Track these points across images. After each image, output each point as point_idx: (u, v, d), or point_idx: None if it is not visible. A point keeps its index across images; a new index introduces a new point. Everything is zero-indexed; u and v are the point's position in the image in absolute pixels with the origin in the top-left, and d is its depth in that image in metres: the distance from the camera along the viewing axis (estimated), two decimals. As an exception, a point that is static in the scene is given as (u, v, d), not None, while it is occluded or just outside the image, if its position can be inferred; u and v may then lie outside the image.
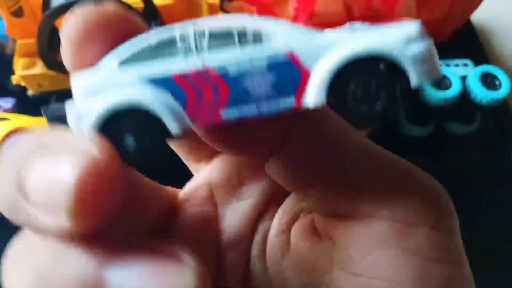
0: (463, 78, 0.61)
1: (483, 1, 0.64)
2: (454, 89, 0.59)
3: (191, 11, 0.63)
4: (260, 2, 0.64)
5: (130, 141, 0.22)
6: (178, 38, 0.22)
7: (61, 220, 0.19)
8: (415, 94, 0.60)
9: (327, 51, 0.21)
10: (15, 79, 0.64)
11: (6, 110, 0.68)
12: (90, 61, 0.22)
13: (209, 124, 0.22)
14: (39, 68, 0.63)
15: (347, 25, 0.23)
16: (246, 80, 0.21)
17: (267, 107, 0.21)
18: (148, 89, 0.22)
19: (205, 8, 0.64)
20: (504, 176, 0.65)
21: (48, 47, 0.58)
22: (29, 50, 0.63)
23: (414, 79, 0.21)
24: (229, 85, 0.21)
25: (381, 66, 0.21)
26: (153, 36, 0.22)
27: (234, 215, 0.30)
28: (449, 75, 0.60)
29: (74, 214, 0.19)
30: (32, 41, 0.61)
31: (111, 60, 0.22)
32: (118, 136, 0.22)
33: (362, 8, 0.61)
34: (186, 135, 0.25)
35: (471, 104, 0.60)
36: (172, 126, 0.21)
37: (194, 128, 0.22)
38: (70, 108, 0.22)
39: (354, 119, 0.22)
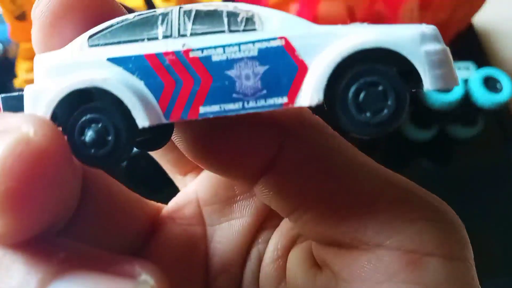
0: (465, 81, 0.61)
1: (485, 4, 0.64)
2: (456, 92, 0.59)
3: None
4: (263, 5, 0.65)
5: (88, 131, 0.18)
6: (160, 17, 0.19)
7: None
8: (418, 97, 0.60)
9: (330, 43, 0.18)
10: (17, 83, 0.64)
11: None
12: (62, 45, 0.20)
13: (184, 120, 0.18)
14: (42, 71, 0.63)
15: (352, 24, 0.20)
16: (233, 70, 0.18)
17: (253, 104, 0.18)
18: (116, 71, 0.18)
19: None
20: (507, 179, 0.64)
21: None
22: (32, 53, 0.63)
23: (427, 82, 0.18)
24: (212, 76, 0.18)
25: (391, 66, 0.18)
26: (133, 15, 0.19)
27: (224, 237, 0.27)
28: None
29: (0, 207, 0.16)
30: (35, 44, 0.61)
31: (81, 36, 0.19)
32: (74, 123, 0.18)
33: (365, 11, 0.61)
34: (159, 134, 0.21)
35: (473, 107, 0.60)
36: (140, 118, 0.18)
37: (166, 122, 0.19)
38: (28, 90, 0.19)
39: (353, 128, 0.18)
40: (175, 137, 0.23)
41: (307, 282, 0.24)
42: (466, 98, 0.60)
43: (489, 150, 0.67)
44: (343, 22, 0.64)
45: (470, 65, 0.63)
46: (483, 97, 0.59)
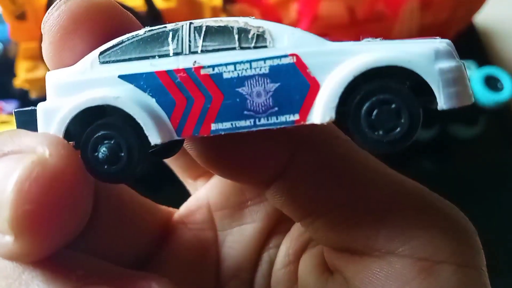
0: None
1: (485, 4, 0.64)
2: (457, 92, 0.59)
3: (193, 13, 0.63)
4: (263, 4, 0.64)
5: (101, 148, 0.18)
6: (170, 33, 0.19)
7: (5, 239, 0.16)
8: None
9: (342, 60, 0.18)
10: (17, 83, 0.64)
11: (9, 113, 0.68)
12: (73, 59, 0.20)
13: (196, 136, 0.19)
14: (42, 71, 0.63)
15: (364, 40, 0.19)
16: (244, 87, 0.18)
17: (264, 121, 0.18)
18: (127, 88, 0.18)
19: (207, 10, 0.64)
20: (508, 178, 0.64)
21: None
22: (32, 53, 0.63)
23: (441, 101, 0.17)
24: (223, 94, 0.18)
25: (404, 82, 0.18)
26: (143, 31, 0.19)
27: (235, 242, 0.27)
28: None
29: (18, 229, 0.16)
30: (35, 44, 0.61)
31: (92, 53, 0.19)
32: (88, 140, 0.18)
33: (365, 11, 0.60)
34: (170, 149, 0.22)
35: (474, 106, 0.60)
36: (152, 135, 0.18)
37: (178, 139, 0.19)
38: (40, 108, 0.19)
39: (366, 145, 0.18)
40: (186, 144, 0.24)
41: (319, 287, 0.24)
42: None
43: (490, 149, 0.67)
44: (343, 21, 0.64)
45: (471, 64, 0.63)
46: (484, 96, 0.59)
